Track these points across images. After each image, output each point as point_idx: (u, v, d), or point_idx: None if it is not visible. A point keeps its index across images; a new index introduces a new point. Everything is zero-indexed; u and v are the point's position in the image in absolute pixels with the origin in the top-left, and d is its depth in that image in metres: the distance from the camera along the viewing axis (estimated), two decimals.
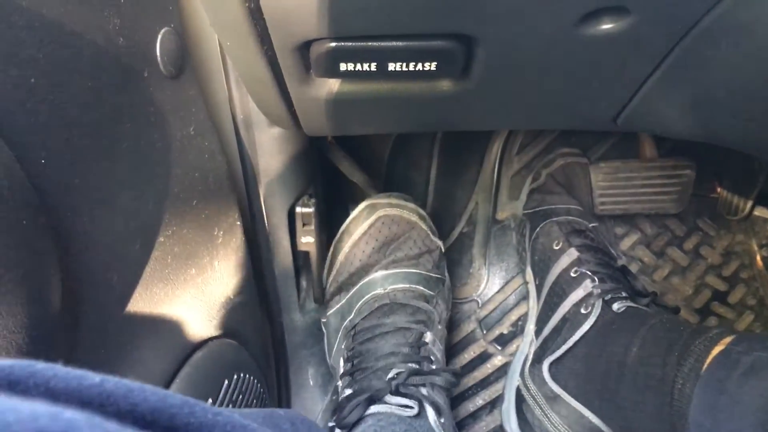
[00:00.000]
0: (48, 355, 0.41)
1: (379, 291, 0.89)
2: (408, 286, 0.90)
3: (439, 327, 0.90)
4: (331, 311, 0.95)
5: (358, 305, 0.89)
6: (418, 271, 0.92)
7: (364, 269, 0.92)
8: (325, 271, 0.96)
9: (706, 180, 1.09)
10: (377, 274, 0.91)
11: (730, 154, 1.05)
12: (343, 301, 0.93)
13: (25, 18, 0.40)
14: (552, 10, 0.44)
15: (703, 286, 1.12)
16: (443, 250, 1.00)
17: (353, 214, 0.93)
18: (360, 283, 0.91)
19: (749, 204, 1.04)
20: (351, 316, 0.89)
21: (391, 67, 0.51)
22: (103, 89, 0.48)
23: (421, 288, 0.91)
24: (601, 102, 0.59)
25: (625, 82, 0.55)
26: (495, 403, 1.11)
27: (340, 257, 0.94)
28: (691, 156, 1.02)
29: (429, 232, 0.97)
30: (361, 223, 0.92)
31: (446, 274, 1.00)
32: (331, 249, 0.95)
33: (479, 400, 1.07)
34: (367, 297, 0.89)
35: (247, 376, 0.72)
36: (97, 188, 0.48)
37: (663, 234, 1.13)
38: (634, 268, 1.11)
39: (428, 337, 0.86)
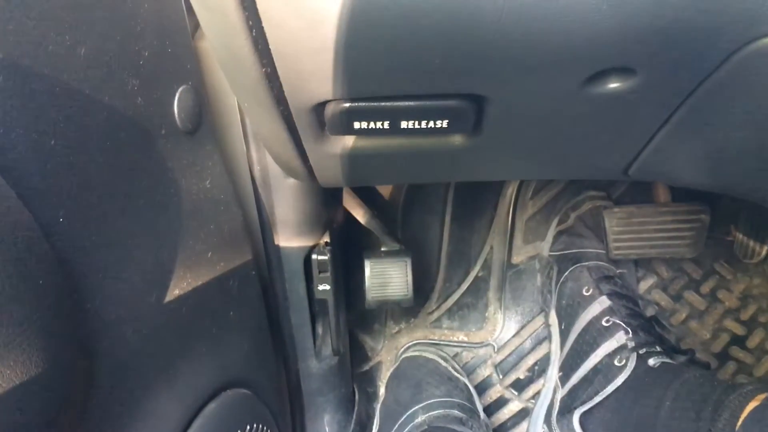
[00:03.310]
0: (62, 408, 0.41)
1: (417, 420, 0.94)
2: (443, 411, 0.94)
3: None
4: None
5: None
6: (451, 399, 0.97)
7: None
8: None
9: (721, 223, 1.09)
10: (414, 409, 0.97)
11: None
12: None
13: (46, 83, 0.41)
14: (559, 71, 0.45)
15: (721, 330, 1.11)
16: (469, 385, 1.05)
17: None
18: (399, 421, 0.96)
19: (766, 247, 1.04)
20: None
21: (403, 124, 0.52)
22: (120, 148, 0.49)
23: (456, 412, 0.94)
24: (612, 155, 0.59)
25: (635, 136, 0.55)
26: None
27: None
28: (706, 199, 1.02)
29: (452, 369, 1.06)
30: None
31: (480, 409, 1.03)
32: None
33: None
34: (406, 430, 0.93)
35: (261, 426, 0.72)
36: (113, 244, 0.49)
37: (679, 277, 1.12)
38: (650, 312, 1.10)
39: None
